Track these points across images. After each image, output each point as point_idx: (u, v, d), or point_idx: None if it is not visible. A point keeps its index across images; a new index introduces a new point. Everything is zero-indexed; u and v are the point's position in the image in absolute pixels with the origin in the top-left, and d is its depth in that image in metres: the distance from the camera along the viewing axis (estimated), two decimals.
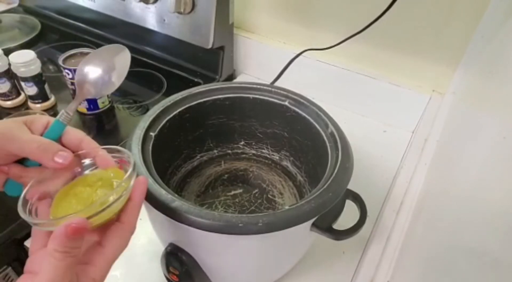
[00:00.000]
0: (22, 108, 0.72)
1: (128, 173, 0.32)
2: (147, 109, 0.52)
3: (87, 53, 0.72)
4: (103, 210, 0.30)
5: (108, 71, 0.39)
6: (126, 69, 0.41)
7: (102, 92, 0.40)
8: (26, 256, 0.56)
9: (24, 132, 0.33)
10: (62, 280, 0.26)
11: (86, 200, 0.33)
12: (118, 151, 0.36)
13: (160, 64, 0.87)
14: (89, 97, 0.39)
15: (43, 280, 0.26)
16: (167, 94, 0.70)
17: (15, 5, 1.07)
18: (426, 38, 0.69)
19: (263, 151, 0.62)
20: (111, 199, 0.30)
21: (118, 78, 0.40)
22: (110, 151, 0.36)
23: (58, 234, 0.26)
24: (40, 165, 0.35)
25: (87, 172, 0.37)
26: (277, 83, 0.74)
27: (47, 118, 0.36)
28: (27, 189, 0.32)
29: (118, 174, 0.35)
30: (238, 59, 0.90)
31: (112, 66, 0.40)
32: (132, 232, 0.32)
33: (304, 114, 0.52)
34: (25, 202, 0.32)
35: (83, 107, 0.72)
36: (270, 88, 0.55)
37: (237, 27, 0.86)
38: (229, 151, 0.62)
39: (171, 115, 0.51)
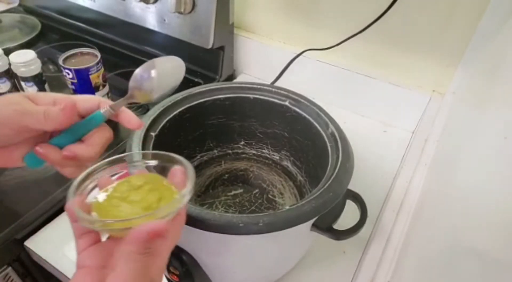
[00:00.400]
0: None
1: (190, 186, 0.32)
2: (147, 109, 0.52)
3: (87, 53, 0.72)
4: (168, 215, 0.30)
5: (159, 79, 0.38)
6: (177, 82, 0.39)
7: (150, 98, 0.38)
8: (26, 256, 0.57)
9: (34, 105, 0.32)
10: (143, 277, 0.28)
11: (139, 203, 0.32)
12: (178, 161, 0.35)
13: None
14: (135, 100, 0.37)
15: (123, 277, 0.27)
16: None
17: (15, 4, 1.07)
18: (426, 38, 0.69)
19: (263, 150, 0.62)
20: (175, 208, 0.31)
21: (166, 88, 0.38)
22: (167, 159, 0.36)
23: (137, 238, 0.27)
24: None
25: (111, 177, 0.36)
26: (277, 83, 0.74)
27: (52, 96, 0.34)
28: (78, 182, 0.32)
29: (157, 178, 0.35)
30: (238, 59, 0.90)
31: (165, 75, 0.38)
32: (185, 221, 0.34)
33: (304, 114, 0.52)
34: (76, 191, 0.32)
35: None
36: (270, 88, 0.55)
37: (237, 27, 0.86)
38: (229, 151, 0.62)
39: (171, 115, 0.51)
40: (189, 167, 0.34)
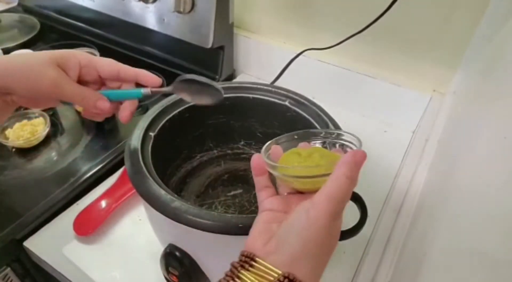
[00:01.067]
0: (21, 108, 0.72)
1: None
2: (147, 109, 0.52)
3: None
4: None
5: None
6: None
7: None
8: (26, 256, 0.57)
9: (68, 82, 0.38)
10: (342, 201, 0.30)
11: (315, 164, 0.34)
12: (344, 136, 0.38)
13: (160, 64, 0.87)
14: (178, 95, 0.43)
15: (330, 192, 0.29)
16: (167, 94, 0.70)
17: (15, 4, 1.07)
18: (427, 38, 0.69)
19: None
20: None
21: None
22: (335, 136, 0.38)
23: (349, 160, 0.30)
24: None
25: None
26: (277, 83, 0.74)
27: (77, 59, 0.39)
28: (267, 146, 0.37)
29: (323, 149, 0.37)
30: (238, 59, 0.90)
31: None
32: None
33: (304, 114, 0.52)
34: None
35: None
36: (270, 88, 0.55)
37: (237, 27, 0.86)
38: (229, 151, 0.62)
39: (171, 115, 0.51)
40: (358, 142, 0.36)
